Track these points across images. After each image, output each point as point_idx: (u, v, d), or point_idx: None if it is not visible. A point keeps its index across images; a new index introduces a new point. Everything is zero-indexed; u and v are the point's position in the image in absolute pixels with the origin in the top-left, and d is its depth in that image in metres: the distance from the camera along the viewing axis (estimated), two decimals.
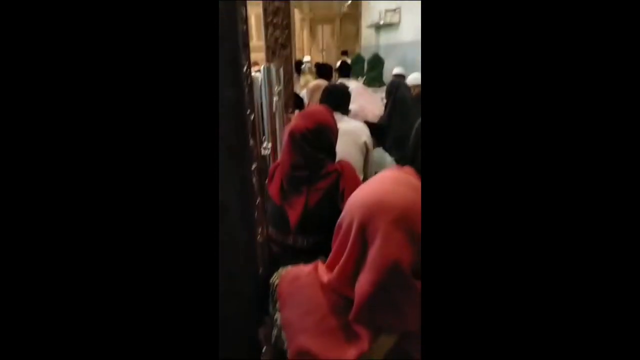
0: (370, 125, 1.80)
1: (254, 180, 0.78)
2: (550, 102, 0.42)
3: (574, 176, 0.41)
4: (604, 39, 0.40)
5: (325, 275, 0.57)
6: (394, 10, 4.70)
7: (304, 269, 0.61)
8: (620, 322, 0.40)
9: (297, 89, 3.38)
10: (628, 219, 0.39)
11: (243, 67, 0.65)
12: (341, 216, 0.56)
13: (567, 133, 0.41)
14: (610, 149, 0.40)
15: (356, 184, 1.17)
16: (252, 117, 0.77)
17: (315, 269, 0.60)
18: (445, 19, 0.45)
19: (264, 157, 1.19)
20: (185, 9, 0.47)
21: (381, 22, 4.95)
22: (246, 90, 0.68)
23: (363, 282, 0.51)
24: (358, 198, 0.54)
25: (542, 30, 0.42)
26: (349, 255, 0.53)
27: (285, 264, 0.84)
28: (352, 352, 0.53)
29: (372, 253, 0.50)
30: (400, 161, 1.89)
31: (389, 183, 0.54)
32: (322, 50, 7.38)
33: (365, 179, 1.61)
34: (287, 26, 1.97)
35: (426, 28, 0.47)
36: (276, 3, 1.88)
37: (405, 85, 2.41)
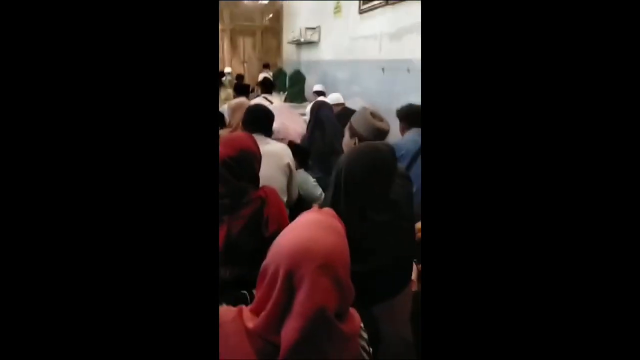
0: (292, 145, 1.82)
1: None
2: (551, 113, 0.44)
3: (570, 187, 0.43)
4: (604, 52, 0.43)
5: (250, 321, 0.56)
6: (314, 29, 4.86)
7: (228, 314, 0.60)
8: (619, 322, 0.41)
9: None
10: (625, 221, 0.42)
11: None
12: (266, 262, 0.56)
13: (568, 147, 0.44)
14: (601, 163, 0.42)
15: (280, 209, 1.17)
16: None
17: (240, 314, 0.58)
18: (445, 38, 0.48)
19: None
20: (185, 10, 0.49)
21: (301, 40, 5.08)
22: None
23: (289, 329, 0.51)
24: (283, 245, 0.55)
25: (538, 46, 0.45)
26: (275, 302, 0.53)
27: None
28: None
29: (299, 300, 0.51)
30: (322, 180, 1.95)
31: (313, 228, 0.55)
32: (244, 62, 7.28)
33: (289, 200, 1.62)
34: None
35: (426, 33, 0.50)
36: None
37: (327, 105, 2.50)
